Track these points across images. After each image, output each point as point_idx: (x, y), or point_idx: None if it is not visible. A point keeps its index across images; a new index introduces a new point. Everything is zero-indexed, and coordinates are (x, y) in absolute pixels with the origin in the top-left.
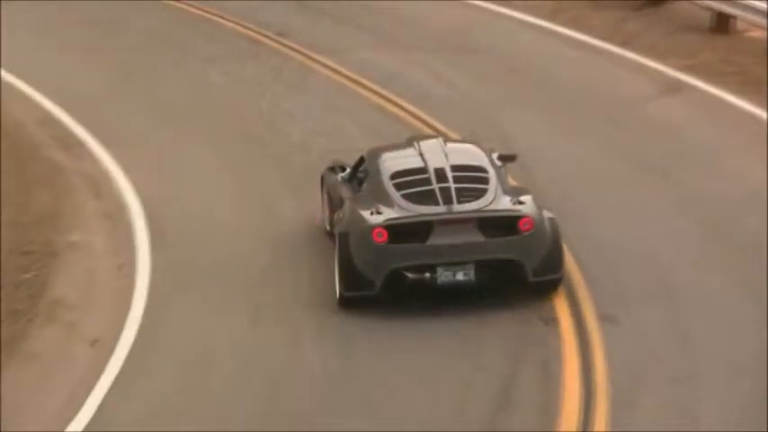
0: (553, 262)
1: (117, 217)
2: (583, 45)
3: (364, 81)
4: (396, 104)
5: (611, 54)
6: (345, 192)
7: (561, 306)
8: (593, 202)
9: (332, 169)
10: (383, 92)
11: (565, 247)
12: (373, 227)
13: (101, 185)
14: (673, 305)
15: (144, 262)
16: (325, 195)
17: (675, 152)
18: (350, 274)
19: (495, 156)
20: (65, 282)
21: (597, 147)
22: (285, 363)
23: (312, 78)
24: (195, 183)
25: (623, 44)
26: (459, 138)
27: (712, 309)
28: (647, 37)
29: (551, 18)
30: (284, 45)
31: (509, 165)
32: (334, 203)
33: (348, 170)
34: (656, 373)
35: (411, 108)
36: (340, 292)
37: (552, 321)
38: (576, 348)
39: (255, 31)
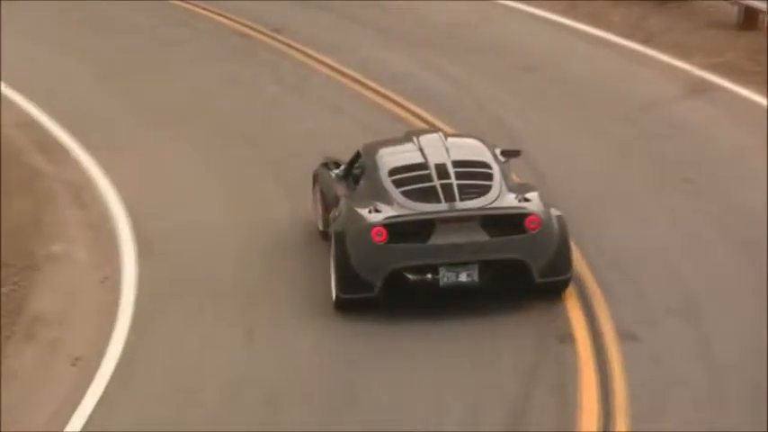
0: (561, 262)
1: (101, 226)
2: (601, 42)
3: (366, 81)
4: (400, 105)
5: (631, 52)
6: (340, 189)
7: (577, 320)
8: (612, 208)
9: (325, 166)
10: (386, 92)
11: (580, 256)
12: (372, 225)
13: (84, 193)
14: (696, 321)
15: (129, 274)
16: (318, 193)
17: (699, 156)
18: (347, 276)
19: (497, 151)
20: (45, 296)
21: (616, 150)
22: (281, 379)
23: (311, 78)
24: (184, 189)
25: (645, 41)
26: (459, 133)
27: (738, 325)
28: (670, 33)
29: (568, 13)
30: (282, 42)
31: (516, 167)
32: (328, 201)
33: (343, 166)
34: (679, 395)
35: (416, 109)
36: (336, 295)
37: (568, 337)
38: (594, 367)
39: (251, 28)
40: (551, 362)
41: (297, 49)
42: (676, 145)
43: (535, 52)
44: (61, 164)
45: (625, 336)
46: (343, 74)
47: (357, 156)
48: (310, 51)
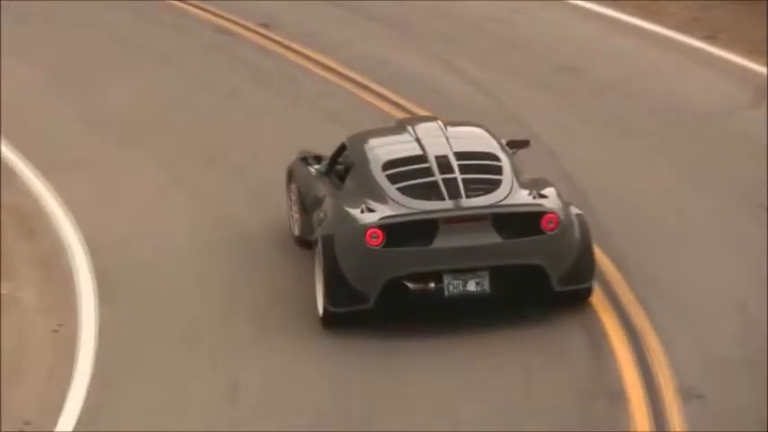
0: (583, 268)
1: (53, 262)
2: (655, 38)
3: (373, 85)
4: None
5: (691, 49)
6: (324, 187)
7: (629, 373)
8: (668, 237)
9: (303, 161)
10: (397, 99)
11: (628, 289)
12: (366, 227)
13: (34, 222)
14: None
15: (88, 321)
16: (294, 193)
17: None
18: (337, 286)
19: (504, 142)
20: None
21: (672, 168)
22: None
23: (305, 82)
24: (151, 215)
25: (707, 38)
26: (460, 120)
27: None
28: (737, 28)
29: (614, 4)
30: (271, 39)
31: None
32: (307, 202)
33: (325, 161)
34: None
35: None
36: (325, 308)
37: (619, 396)
38: None
39: (235, 23)
40: (600, 424)
41: (288, 48)
42: (747, 162)
43: (576, 50)
44: (6, 188)
45: (687, 393)
46: (344, 77)
47: (342, 148)
48: (305, 50)
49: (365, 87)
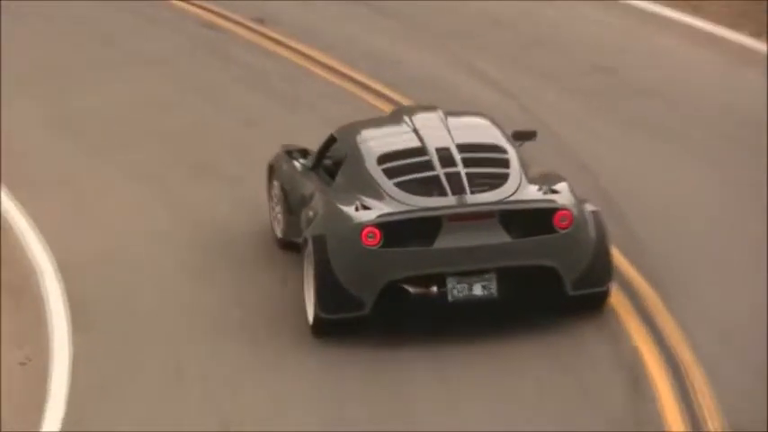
0: (599, 269)
1: (22, 287)
2: (700, 35)
3: (380, 87)
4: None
5: (740, 49)
6: (311, 183)
7: (672, 414)
8: (723, 269)
9: (288, 155)
10: (406, 101)
11: (675, 326)
12: (362, 226)
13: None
14: None
15: (60, 353)
16: (277, 191)
17: None
18: (330, 291)
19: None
20: None
21: (728, 187)
22: None
23: (304, 84)
24: (133, 235)
25: (758, 34)
26: (460, 110)
27: None
28: None
29: None
30: (266, 37)
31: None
32: (292, 200)
33: (312, 155)
34: None
35: None
36: (316, 316)
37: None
38: None
39: (226, 18)
40: None
41: (286, 46)
42: None
43: (611, 49)
44: None
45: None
46: (348, 78)
47: (330, 141)
48: (304, 48)
49: (371, 90)
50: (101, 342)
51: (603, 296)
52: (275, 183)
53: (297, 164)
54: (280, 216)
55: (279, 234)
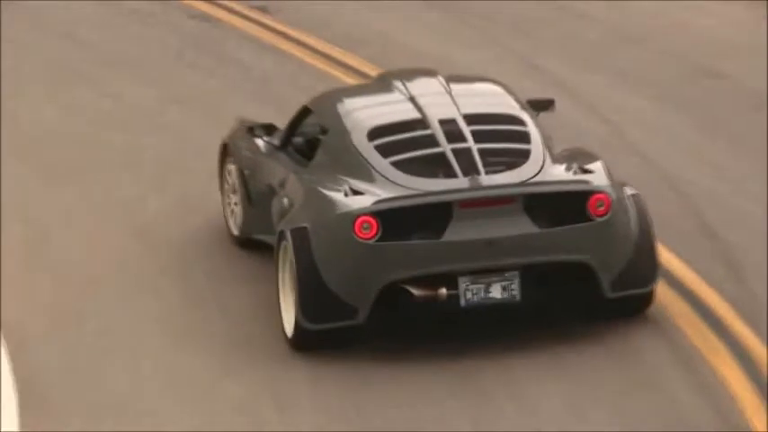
0: (642, 266)
1: None
2: None
3: None
4: None
5: None
6: (281, 165)
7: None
8: None
9: (250, 131)
10: None
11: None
12: (355, 215)
13: None
14: None
15: None
16: (234, 176)
17: None
18: (315, 296)
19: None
20: None
21: None
22: None
23: (317, 89)
24: (97, 286)
25: None
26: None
27: None
28: None
29: None
30: (270, 29)
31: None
32: (255, 187)
33: (281, 132)
34: None
35: None
36: (298, 325)
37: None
38: None
39: (222, 6)
40: None
41: (295, 41)
42: None
43: (724, 49)
44: None
45: None
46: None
47: (304, 113)
48: (321, 45)
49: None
50: (54, 426)
51: (647, 299)
52: (231, 167)
53: (260, 142)
54: (236, 208)
55: (235, 231)
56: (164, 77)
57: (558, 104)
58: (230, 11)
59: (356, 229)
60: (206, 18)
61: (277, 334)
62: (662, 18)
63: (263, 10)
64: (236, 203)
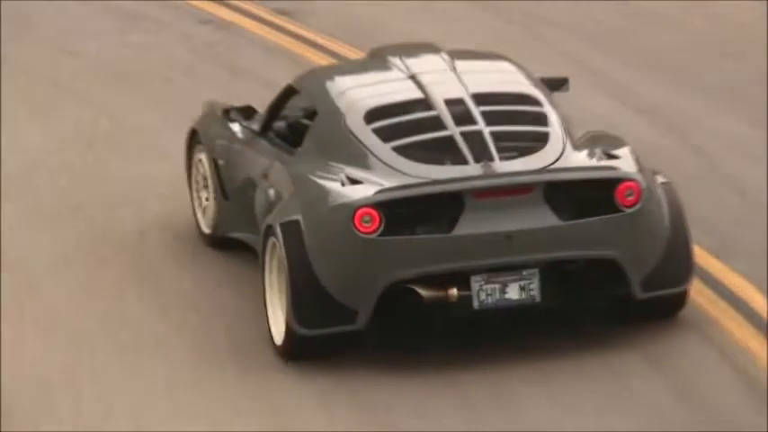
0: (675, 263)
1: None
2: None
3: None
4: None
5: None
6: (262, 153)
7: None
8: None
9: (225, 115)
10: None
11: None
12: (355, 207)
13: None
14: None
15: None
16: (205, 167)
17: None
18: (309, 297)
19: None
20: None
21: None
22: None
23: None
24: (96, 340)
25: None
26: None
27: None
28: None
29: None
30: (292, 35)
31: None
32: (230, 178)
33: (260, 116)
34: None
35: None
36: (290, 331)
37: None
38: None
39: (238, 10)
40: None
41: (322, 48)
42: None
43: None
44: None
45: None
46: None
47: (288, 93)
48: (347, 50)
49: None
50: None
51: (680, 300)
52: (201, 156)
53: (236, 127)
54: (208, 202)
55: (206, 229)
56: (170, 95)
57: (638, 131)
58: (246, 13)
59: (356, 222)
60: (217, 22)
61: (264, 340)
62: (754, 26)
63: (284, 14)
64: (207, 198)
